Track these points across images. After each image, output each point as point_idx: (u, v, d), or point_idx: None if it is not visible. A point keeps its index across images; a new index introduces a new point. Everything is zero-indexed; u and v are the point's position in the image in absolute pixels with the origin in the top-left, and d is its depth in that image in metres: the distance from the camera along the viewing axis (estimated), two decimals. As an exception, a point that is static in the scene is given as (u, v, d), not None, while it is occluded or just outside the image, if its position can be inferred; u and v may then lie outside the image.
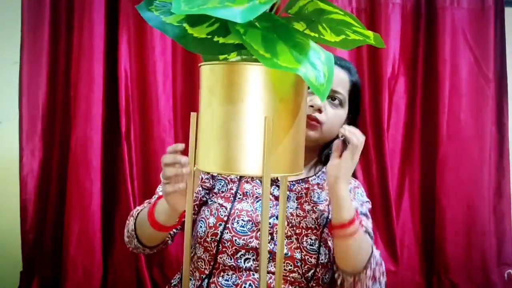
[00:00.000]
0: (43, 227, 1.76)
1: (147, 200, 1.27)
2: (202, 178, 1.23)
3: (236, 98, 0.68)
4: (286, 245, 1.12)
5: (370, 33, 0.76)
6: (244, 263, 1.11)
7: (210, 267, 1.14)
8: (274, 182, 1.20)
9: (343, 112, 1.22)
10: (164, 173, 0.98)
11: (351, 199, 1.11)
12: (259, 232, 1.13)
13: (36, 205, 1.76)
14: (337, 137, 1.20)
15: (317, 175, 1.26)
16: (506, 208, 1.84)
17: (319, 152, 1.28)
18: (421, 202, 1.86)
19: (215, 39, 0.70)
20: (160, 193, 1.26)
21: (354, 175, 1.32)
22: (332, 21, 0.76)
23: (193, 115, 0.74)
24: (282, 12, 0.76)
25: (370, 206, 1.29)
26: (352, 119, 1.27)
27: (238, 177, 1.21)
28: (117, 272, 1.79)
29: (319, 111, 1.17)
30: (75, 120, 1.72)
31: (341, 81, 1.21)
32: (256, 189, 1.19)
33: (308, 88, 1.14)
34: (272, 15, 0.71)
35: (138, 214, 1.19)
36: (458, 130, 1.80)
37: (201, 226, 1.15)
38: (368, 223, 1.22)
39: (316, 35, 0.79)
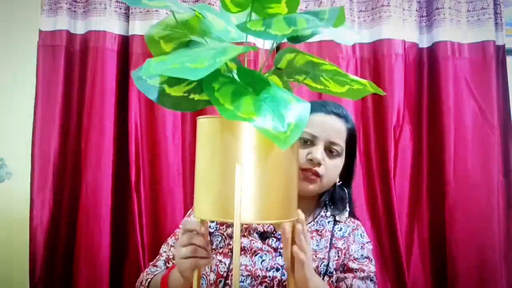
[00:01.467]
0: (52, 279, 1.77)
1: (152, 263, 1.29)
2: None
3: (216, 149, 0.74)
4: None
5: (365, 81, 0.79)
6: None
7: None
8: (272, 233, 1.21)
9: (340, 161, 1.25)
10: (182, 252, 0.92)
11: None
12: (259, 286, 1.13)
13: (45, 256, 1.76)
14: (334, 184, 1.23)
15: (315, 220, 1.27)
16: (517, 256, 1.83)
17: (318, 199, 1.30)
18: (431, 252, 1.83)
19: (191, 96, 0.78)
20: (165, 255, 1.28)
21: (353, 215, 1.33)
22: (328, 72, 0.80)
23: (238, 167, 0.73)
24: (263, 67, 0.82)
25: (371, 246, 1.29)
26: (349, 164, 1.29)
27: None
28: (125, 324, 1.78)
29: (318, 164, 1.19)
30: (85, 171, 1.75)
31: (339, 131, 1.23)
32: (253, 243, 1.19)
33: (306, 142, 1.18)
34: (253, 72, 0.76)
35: (149, 282, 1.20)
36: (465, 178, 1.80)
37: (202, 284, 1.16)
38: (370, 267, 1.23)
39: (322, 87, 0.83)
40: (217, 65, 0.64)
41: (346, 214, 1.28)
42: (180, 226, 1.31)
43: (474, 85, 1.84)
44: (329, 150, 1.21)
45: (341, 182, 1.29)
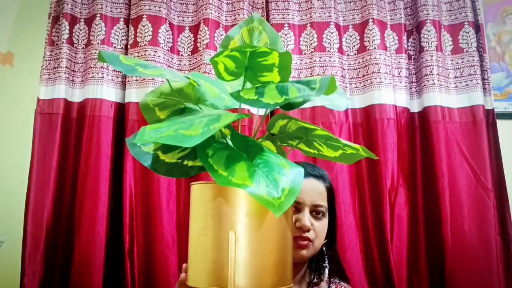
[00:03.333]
0: None
1: None
2: None
3: (209, 215, 0.74)
4: None
5: (357, 146, 0.81)
6: None
7: None
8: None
9: (326, 221, 1.25)
10: None
11: None
12: None
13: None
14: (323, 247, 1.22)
15: (311, 287, 1.25)
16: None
17: (308, 263, 1.28)
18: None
19: (185, 162, 0.79)
20: None
21: (345, 279, 1.31)
22: (321, 137, 0.81)
23: (231, 233, 0.74)
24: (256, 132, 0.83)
25: None
26: (331, 223, 1.28)
27: None
28: None
29: (308, 230, 1.18)
30: (78, 239, 1.73)
31: (320, 193, 1.24)
32: None
33: (295, 211, 1.18)
34: (247, 138, 0.77)
35: None
36: (463, 241, 1.78)
37: None
38: None
39: (316, 151, 0.84)
40: (211, 133, 0.65)
41: (326, 272, 1.26)
42: None
43: (466, 148, 1.86)
44: (315, 212, 1.22)
45: (326, 241, 1.29)
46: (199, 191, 0.77)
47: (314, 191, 1.22)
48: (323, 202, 1.23)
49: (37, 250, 1.75)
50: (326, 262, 1.28)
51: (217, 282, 0.71)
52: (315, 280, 1.26)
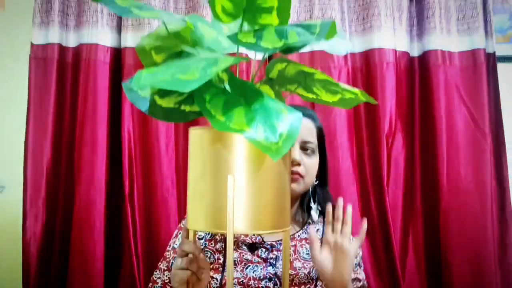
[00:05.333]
0: (46, 291, 1.75)
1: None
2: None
3: (207, 160, 0.75)
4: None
5: (356, 90, 0.80)
6: None
7: None
8: (261, 244, 1.21)
9: (316, 159, 1.28)
10: (179, 275, 0.96)
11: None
12: None
13: (38, 269, 1.75)
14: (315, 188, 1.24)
15: (304, 228, 1.27)
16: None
17: (300, 202, 1.30)
18: (426, 259, 1.83)
19: (182, 107, 0.79)
20: (160, 281, 1.25)
21: None
22: (320, 81, 0.80)
23: (230, 177, 0.74)
24: (254, 77, 0.82)
25: (361, 253, 1.33)
26: (322, 163, 1.30)
27: (224, 247, 1.22)
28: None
29: (298, 164, 1.20)
30: (79, 183, 1.75)
31: (309, 130, 1.26)
32: (243, 255, 1.20)
33: None
34: (245, 82, 0.77)
35: None
36: (458, 184, 1.80)
37: None
38: (362, 274, 1.27)
39: (314, 96, 0.84)
40: (208, 77, 0.64)
41: (316, 213, 1.29)
42: (169, 245, 1.31)
43: (465, 92, 1.85)
44: (304, 148, 1.24)
45: (317, 181, 1.31)
46: (197, 136, 0.77)
47: (305, 128, 1.25)
48: (312, 138, 1.26)
49: (38, 195, 1.77)
50: (312, 203, 1.30)
51: (216, 225, 0.73)
52: (310, 221, 1.29)
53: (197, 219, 0.75)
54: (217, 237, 1.24)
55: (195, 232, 0.91)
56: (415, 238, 1.85)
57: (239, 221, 0.72)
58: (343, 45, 0.90)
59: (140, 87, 0.66)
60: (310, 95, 0.84)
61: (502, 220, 1.84)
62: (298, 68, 0.80)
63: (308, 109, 1.32)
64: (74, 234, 1.72)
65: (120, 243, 1.80)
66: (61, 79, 1.84)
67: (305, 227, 1.28)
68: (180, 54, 0.85)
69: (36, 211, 1.77)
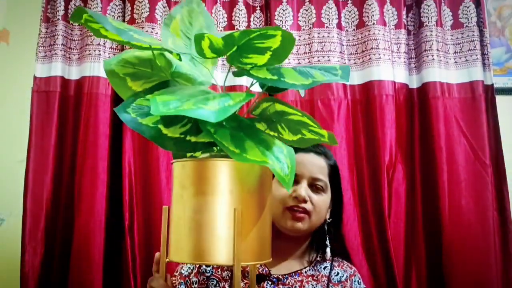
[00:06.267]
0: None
1: None
2: (198, 281, 1.23)
3: (206, 192, 0.74)
4: None
5: (324, 132, 0.81)
6: None
7: None
8: (268, 276, 1.19)
9: (327, 197, 1.26)
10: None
11: None
12: None
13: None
14: (325, 221, 1.23)
15: (312, 266, 1.26)
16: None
17: (310, 240, 1.29)
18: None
19: (188, 138, 0.78)
20: None
21: (349, 261, 1.32)
22: (291, 121, 0.82)
23: (165, 208, 0.80)
24: (246, 114, 0.82)
25: (363, 285, 1.29)
26: (336, 202, 1.28)
27: (230, 275, 1.21)
28: None
29: (304, 201, 1.19)
30: (78, 216, 1.73)
31: (320, 167, 1.25)
32: (249, 286, 1.18)
33: (294, 183, 1.19)
34: (238, 116, 0.78)
35: None
36: (460, 216, 1.79)
37: None
38: None
39: (276, 134, 0.84)
40: (230, 111, 0.65)
41: (328, 252, 1.27)
42: (176, 271, 1.29)
43: (465, 124, 1.85)
44: (314, 186, 1.23)
45: (331, 219, 1.29)
46: (179, 169, 0.77)
47: (314, 165, 1.23)
48: (322, 176, 1.24)
49: (37, 227, 1.76)
50: (328, 241, 1.28)
51: (197, 257, 0.73)
52: (319, 259, 1.27)
53: (180, 251, 0.75)
54: None
55: (166, 268, 0.91)
56: (418, 270, 1.82)
57: (224, 253, 0.72)
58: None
59: (162, 113, 0.65)
60: (272, 133, 0.84)
61: (505, 252, 1.81)
62: (278, 108, 0.81)
63: (322, 146, 1.31)
64: (73, 267, 1.70)
65: (119, 276, 1.77)
66: (63, 111, 1.85)
67: (313, 265, 1.26)
68: (166, 84, 0.85)
69: (35, 244, 1.75)
